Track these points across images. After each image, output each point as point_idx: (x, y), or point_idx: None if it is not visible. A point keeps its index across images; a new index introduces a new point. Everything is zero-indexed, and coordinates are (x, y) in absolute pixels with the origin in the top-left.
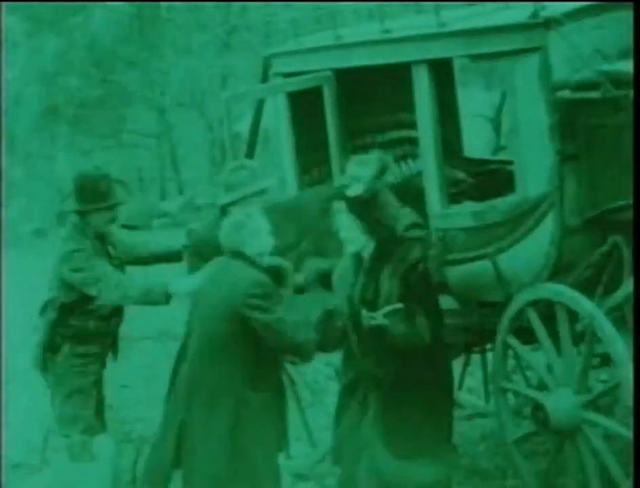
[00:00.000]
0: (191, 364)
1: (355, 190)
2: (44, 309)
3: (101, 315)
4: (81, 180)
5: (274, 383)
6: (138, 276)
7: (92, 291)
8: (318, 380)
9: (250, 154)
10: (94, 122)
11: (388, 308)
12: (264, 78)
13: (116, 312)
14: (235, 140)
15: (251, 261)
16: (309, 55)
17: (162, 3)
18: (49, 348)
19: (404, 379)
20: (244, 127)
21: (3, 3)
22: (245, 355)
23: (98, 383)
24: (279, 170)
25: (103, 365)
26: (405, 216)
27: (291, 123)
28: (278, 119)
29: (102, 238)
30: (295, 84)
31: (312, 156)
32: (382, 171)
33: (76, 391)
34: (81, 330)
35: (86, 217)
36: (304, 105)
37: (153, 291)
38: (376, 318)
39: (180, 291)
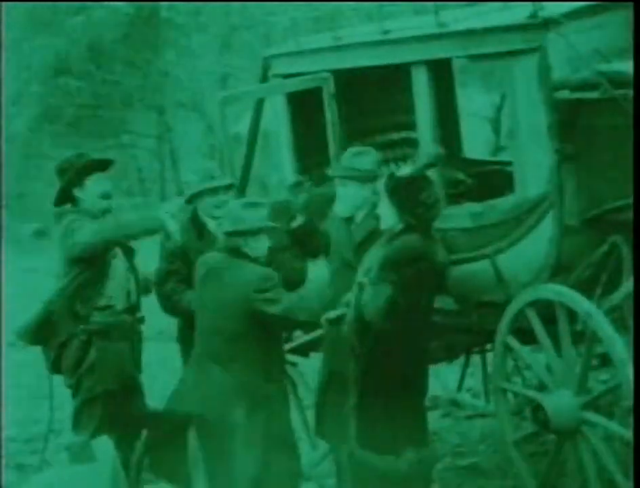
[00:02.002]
0: (201, 364)
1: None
2: (56, 298)
3: (124, 309)
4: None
5: (284, 372)
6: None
7: (93, 239)
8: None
9: (249, 154)
10: (94, 122)
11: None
12: (264, 78)
13: (139, 306)
14: (234, 141)
15: (251, 259)
16: (308, 56)
17: (162, 3)
18: (78, 347)
19: (379, 374)
20: (243, 127)
21: (3, 3)
22: (257, 348)
23: (132, 382)
24: (278, 171)
25: (136, 364)
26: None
27: (290, 123)
28: (277, 120)
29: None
30: (295, 85)
31: (311, 157)
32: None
33: (107, 393)
34: (107, 325)
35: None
36: (304, 106)
37: (147, 222)
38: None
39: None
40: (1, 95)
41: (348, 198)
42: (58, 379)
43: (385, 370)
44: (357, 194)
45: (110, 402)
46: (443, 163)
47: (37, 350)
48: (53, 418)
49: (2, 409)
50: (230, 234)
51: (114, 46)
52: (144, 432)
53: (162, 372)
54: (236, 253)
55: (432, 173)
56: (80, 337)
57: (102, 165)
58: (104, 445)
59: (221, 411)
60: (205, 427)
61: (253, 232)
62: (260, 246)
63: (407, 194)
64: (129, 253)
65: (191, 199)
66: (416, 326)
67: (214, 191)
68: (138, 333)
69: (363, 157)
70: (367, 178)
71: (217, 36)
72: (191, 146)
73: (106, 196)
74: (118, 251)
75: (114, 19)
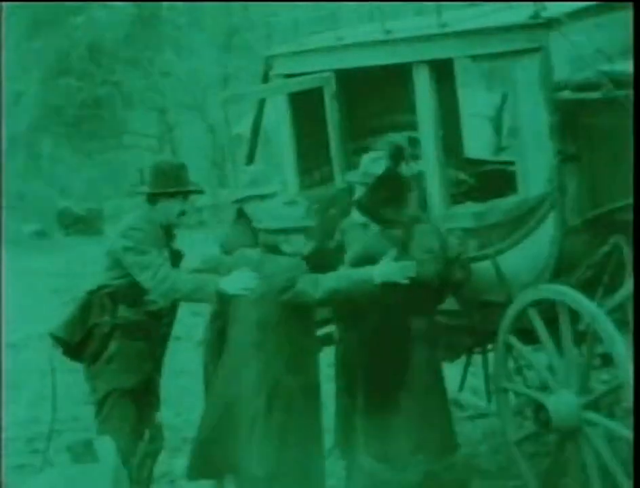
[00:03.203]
0: (236, 355)
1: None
2: (93, 291)
3: (152, 312)
4: (160, 165)
5: (312, 366)
6: (184, 271)
7: (139, 277)
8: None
9: (251, 155)
10: (95, 122)
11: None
12: (265, 78)
13: (169, 311)
14: (236, 141)
15: (289, 255)
16: (310, 55)
17: (163, 3)
18: (97, 338)
19: (389, 382)
20: (245, 128)
21: (3, 3)
22: (285, 339)
23: (149, 384)
24: (280, 171)
25: (156, 366)
26: None
27: (292, 123)
28: (279, 120)
29: (167, 231)
30: (296, 85)
31: (313, 157)
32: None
33: (122, 390)
34: (131, 323)
35: (157, 203)
36: (305, 106)
37: (203, 289)
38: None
39: (234, 290)
40: (1, 95)
41: None
42: (60, 379)
43: (387, 370)
44: None
45: (126, 399)
46: (445, 163)
47: (37, 350)
48: (55, 418)
49: (2, 409)
50: (269, 232)
51: (115, 46)
52: (147, 434)
53: (167, 371)
54: (273, 249)
55: (433, 173)
56: (103, 328)
57: None
58: (106, 445)
59: (248, 399)
60: (235, 416)
61: (292, 230)
62: (297, 243)
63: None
64: (176, 259)
65: (238, 203)
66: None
67: (261, 198)
68: (163, 336)
69: (380, 163)
70: None
71: (219, 36)
72: (192, 146)
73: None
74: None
75: (115, 20)
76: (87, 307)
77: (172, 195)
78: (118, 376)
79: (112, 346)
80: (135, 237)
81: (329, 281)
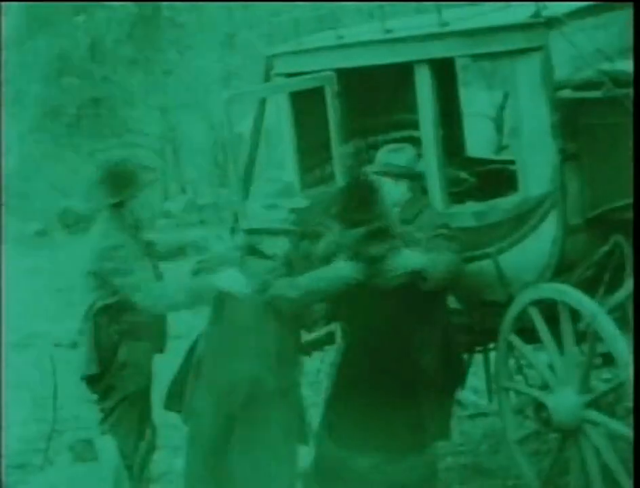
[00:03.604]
0: (217, 359)
1: None
2: (90, 313)
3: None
4: (111, 169)
5: (295, 368)
6: (174, 279)
7: (133, 298)
8: (319, 380)
9: (252, 154)
10: (96, 122)
11: None
12: (266, 78)
13: None
14: (237, 141)
15: (267, 257)
16: (311, 55)
17: (164, 2)
18: (108, 350)
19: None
20: (246, 127)
21: (3, 3)
22: (270, 342)
23: (148, 388)
24: (281, 170)
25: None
26: None
27: (293, 123)
28: (280, 119)
29: (137, 229)
30: (298, 84)
31: (314, 156)
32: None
33: (135, 393)
34: (135, 325)
35: (122, 207)
36: (306, 105)
37: (200, 294)
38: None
39: (234, 289)
40: (2, 95)
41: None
42: (60, 379)
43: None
44: (393, 191)
45: (142, 400)
46: (446, 162)
47: (38, 349)
48: (56, 417)
49: (3, 409)
50: (248, 232)
51: (116, 45)
52: (148, 432)
53: (165, 371)
54: (251, 250)
55: (434, 172)
56: (113, 337)
57: None
58: (107, 444)
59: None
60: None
61: (272, 232)
62: (276, 246)
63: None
64: (156, 254)
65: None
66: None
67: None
68: (163, 330)
69: (400, 154)
70: (403, 175)
71: (220, 35)
72: (194, 145)
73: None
74: (145, 253)
75: (116, 19)
76: (96, 331)
77: (133, 196)
78: (133, 380)
79: (123, 353)
80: (118, 257)
81: (305, 282)
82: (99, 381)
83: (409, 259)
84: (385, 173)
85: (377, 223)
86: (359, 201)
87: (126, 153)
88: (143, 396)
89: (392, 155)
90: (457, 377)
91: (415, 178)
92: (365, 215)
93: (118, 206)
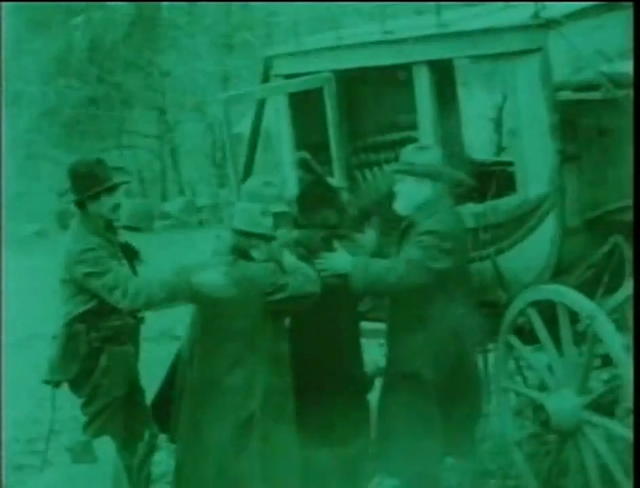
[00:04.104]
0: (211, 364)
1: None
2: (70, 322)
3: (123, 313)
4: (76, 168)
5: (289, 368)
6: (151, 275)
7: (110, 299)
8: None
9: (251, 155)
10: (94, 123)
11: None
12: (265, 79)
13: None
14: (236, 141)
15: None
16: (310, 56)
17: (163, 3)
18: (88, 357)
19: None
20: (245, 128)
21: (3, 3)
22: (269, 344)
23: (135, 391)
24: (280, 171)
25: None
26: None
27: (291, 124)
28: (279, 120)
29: (109, 229)
30: (296, 85)
31: (313, 157)
32: None
33: (119, 398)
34: (117, 329)
35: (88, 207)
36: (305, 106)
37: (178, 291)
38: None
39: (210, 285)
40: (1, 95)
41: (406, 196)
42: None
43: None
44: (416, 191)
45: (124, 405)
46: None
47: (37, 350)
48: (55, 418)
49: (2, 409)
50: (239, 234)
51: (115, 46)
52: (147, 434)
53: (162, 372)
54: (243, 254)
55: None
56: (93, 343)
57: None
58: (105, 446)
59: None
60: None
61: (266, 238)
62: (267, 251)
63: None
64: (132, 255)
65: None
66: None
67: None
68: (138, 334)
69: (424, 152)
70: (426, 174)
71: (219, 37)
72: (192, 146)
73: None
74: (120, 254)
75: (114, 20)
76: (72, 338)
77: (97, 195)
78: (116, 386)
79: (104, 359)
80: (91, 259)
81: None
82: (82, 386)
83: (335, 261)
84: (407, 172)
85: (332, 224)
86: (316, 203)
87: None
88: (130, 400)
89: (416, 153)
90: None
91: (438, 178)
92: (321, 216)
93: (83, 206)
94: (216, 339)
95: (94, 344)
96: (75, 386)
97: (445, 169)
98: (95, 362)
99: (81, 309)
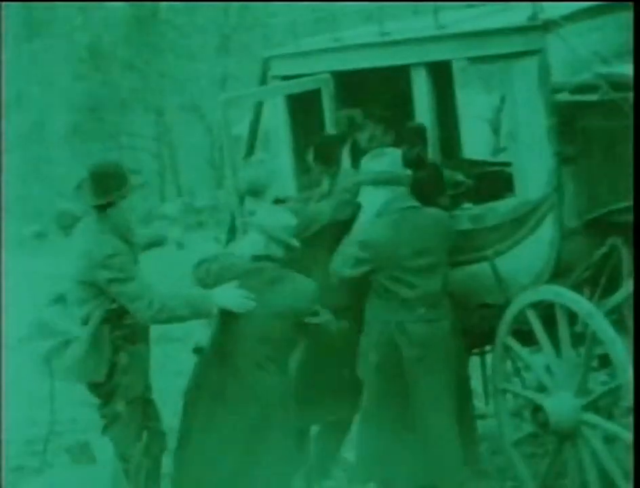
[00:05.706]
0: (241, 371)
1: None
2: (92, 322)
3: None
4: (100, 170)
5: None
6: (175, 290)
7: (131, 307)
8: None
9: (249, 156)
10: (93, 124)
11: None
12: (263, 80)
13: None
14: (235, 143)
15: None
16: (308, 57)
17: (161, 4)
18: (112, 355)
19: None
20: (243, 129)
21: (3, 3)
22: (292, 352)
23: (148, 389)
24: (278, 172)
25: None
26: None
27: (290, 125)
28: (277, 121)
29: (129, 234)
30: (294, 86)
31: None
32: None
33: (135, 398)
34: (133, 328)
35: (109, 211)
36: (303, 107)
37: (200, 308)
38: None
39: (235, 308)
40: (1, 96)
41: (369, 204)
42: (58, 381)
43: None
44: (378, 198)
45: (144, 404)
46: (443, 165)
47: (37, 351)
48: (54, 420)
49: (2, 411)
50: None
51: (113, 48)
52: (145, 435)
53: (162, 375)
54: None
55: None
56: (115, 343)
57: None
58: (104, 447)
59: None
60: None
61: (279, 242)
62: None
63: None
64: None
65: None
66: None
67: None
68: (149, 334)
69: (380, 159)
70: (381, 181)
71: (217, 38)
72: (190, 147)
73: None
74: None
75: (112, 21)
76: (97, 339)
77: (122, 197)
78: (135, 385)
79: (124, 357)
80: (117, 265)
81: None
82: (102, 387)
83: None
84: (364, 181)
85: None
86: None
87: (114, 156)
88: (144, 399)
89: (372, 161)
90: None
91: (394, 182)
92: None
93: (104, 209)
94: (233, 340)
95: (116, 343)
96: (95, 386)
97: (404, 171)
98: (117, 361)
99: (105, 310)
